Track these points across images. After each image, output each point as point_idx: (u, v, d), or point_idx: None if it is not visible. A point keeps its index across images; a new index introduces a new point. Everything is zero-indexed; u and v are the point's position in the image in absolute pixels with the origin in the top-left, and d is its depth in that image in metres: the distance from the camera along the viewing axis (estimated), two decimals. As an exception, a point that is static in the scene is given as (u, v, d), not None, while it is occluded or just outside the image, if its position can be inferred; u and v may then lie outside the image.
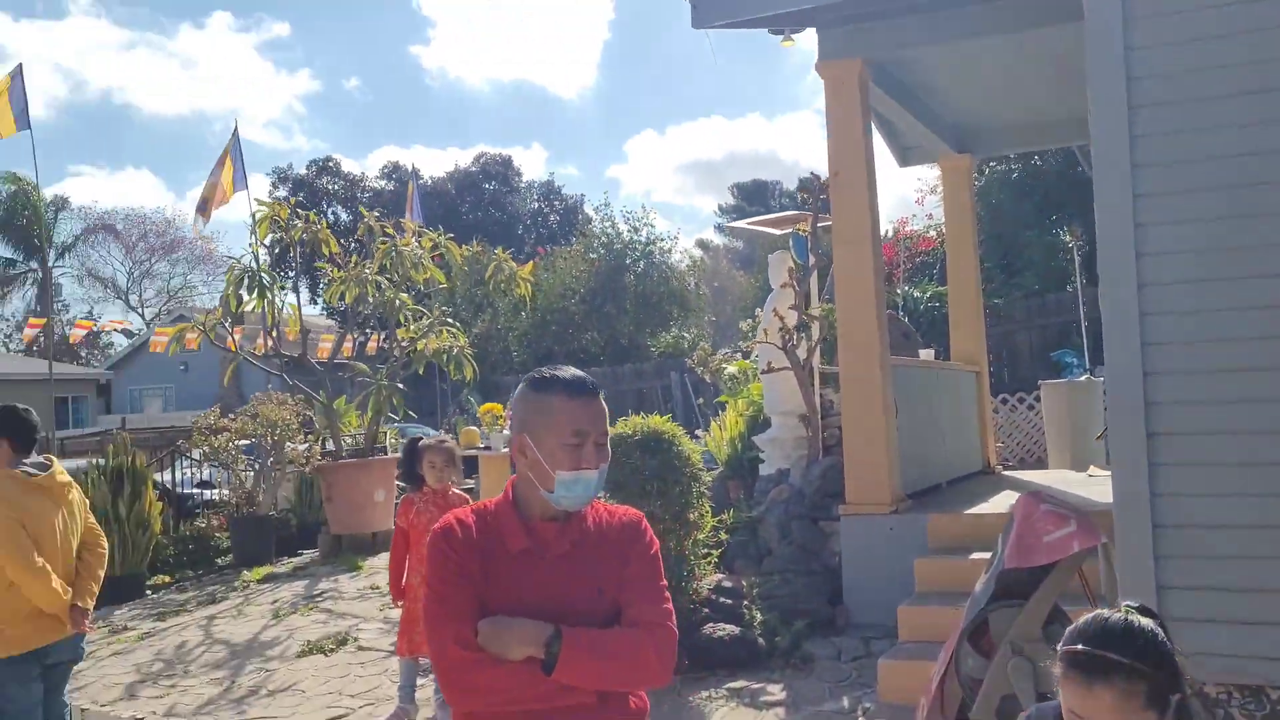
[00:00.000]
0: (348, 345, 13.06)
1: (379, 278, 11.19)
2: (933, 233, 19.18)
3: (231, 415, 11.85)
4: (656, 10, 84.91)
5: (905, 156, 10.09)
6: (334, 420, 11.68)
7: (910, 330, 10.14)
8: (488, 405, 8.80)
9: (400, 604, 5.77)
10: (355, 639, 7.45)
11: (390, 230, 11.57)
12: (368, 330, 12.99)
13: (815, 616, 6.49)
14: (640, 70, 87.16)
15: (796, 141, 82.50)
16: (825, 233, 7.91)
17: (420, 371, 11.76)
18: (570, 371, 2.27)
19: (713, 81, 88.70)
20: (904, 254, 18.82)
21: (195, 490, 13.52)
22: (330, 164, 45.20)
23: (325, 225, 11.43)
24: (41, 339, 43.19)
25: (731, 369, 8.95)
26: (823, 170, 7.22)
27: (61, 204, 46.12)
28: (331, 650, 7.25)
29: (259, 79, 76.62)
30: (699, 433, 12.04)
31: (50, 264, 43.80)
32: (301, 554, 11.97)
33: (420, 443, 5.86)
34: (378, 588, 9.17)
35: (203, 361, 33.90)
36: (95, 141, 78.76)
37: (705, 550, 6.64)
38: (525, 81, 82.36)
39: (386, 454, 12.15)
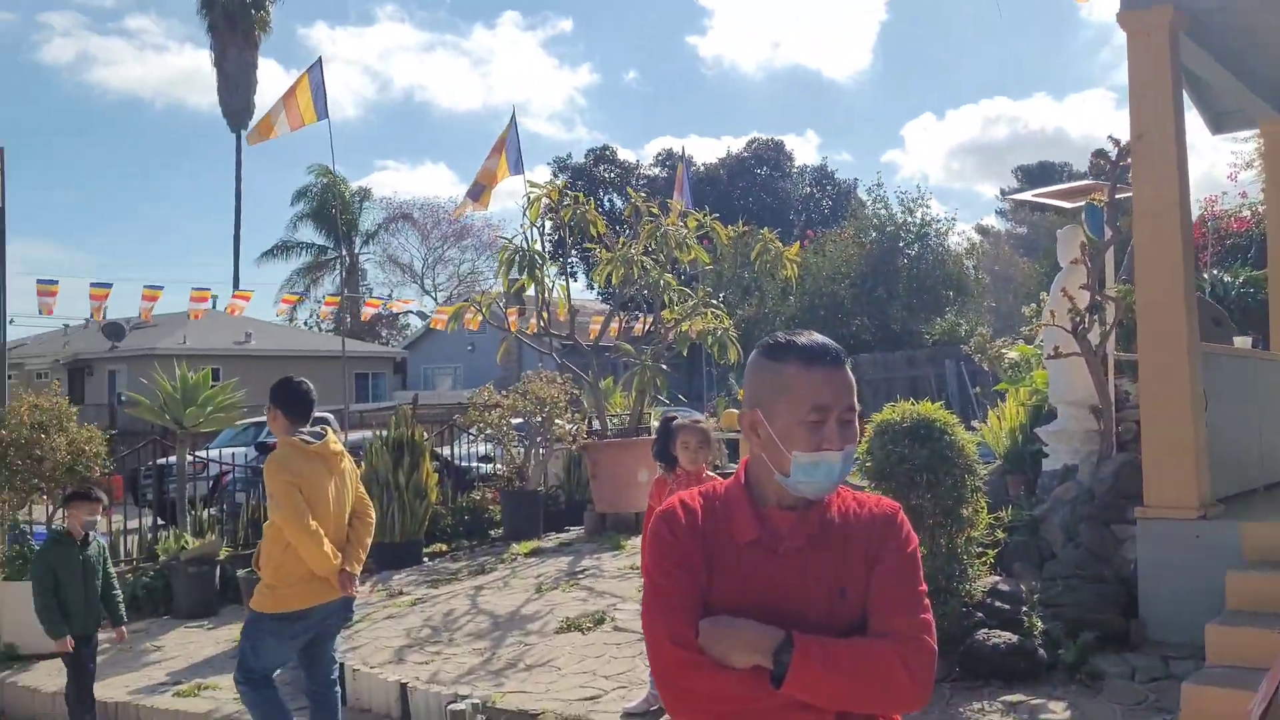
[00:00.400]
0: (614, 326, 13.17)
1: (644, 258, 11.19)
2: (1246, 212, 17.28)
3: (504, 392, 12.21)
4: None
5: (1218, 122, 9.03)
6: (600, 399, 11.81)
7: (1222, 316, 9.07)
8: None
9: (653, 587, 5.63)
10: (612, 619, 7.42)
11: (656, 210, 11.55)
12: (636, 312, 13.05)
13: (1105, 629, 5.83)
14: (919, 52, 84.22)
15: (1087, 121, 77.30)
16: (1122, 209, 7.15)
17: (685, 353, 11.70)
18: (810, 336, 1.95)
19: (996, 61, 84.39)
20: (1212, 235, 17.05)
21: (475, 464, 14.07)
22: (607, 153, 46.39)
23: (593, 206, 11.54)
24: (348, 317, 46.86)
25: (1012, 355, 8.26)
26: (1123, 136, 6.49)
27: (365, 195, 49.81)
28: (589, 629, 7.25)
29: (544, 74, 79.91)
30: (975, 423, 11.35)
31: (355, 250, 47.40)
32: (568, 530, 12.19)
33: (674, 422, 5.69)
34: (638, 568, 9.16)
35: (488, 342, 35.61)
36: (398, 137, 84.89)
37: (979, 549, 6.12)
38: (800, 67, 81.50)
39: (651, 434, 12.17)
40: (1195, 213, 18.50)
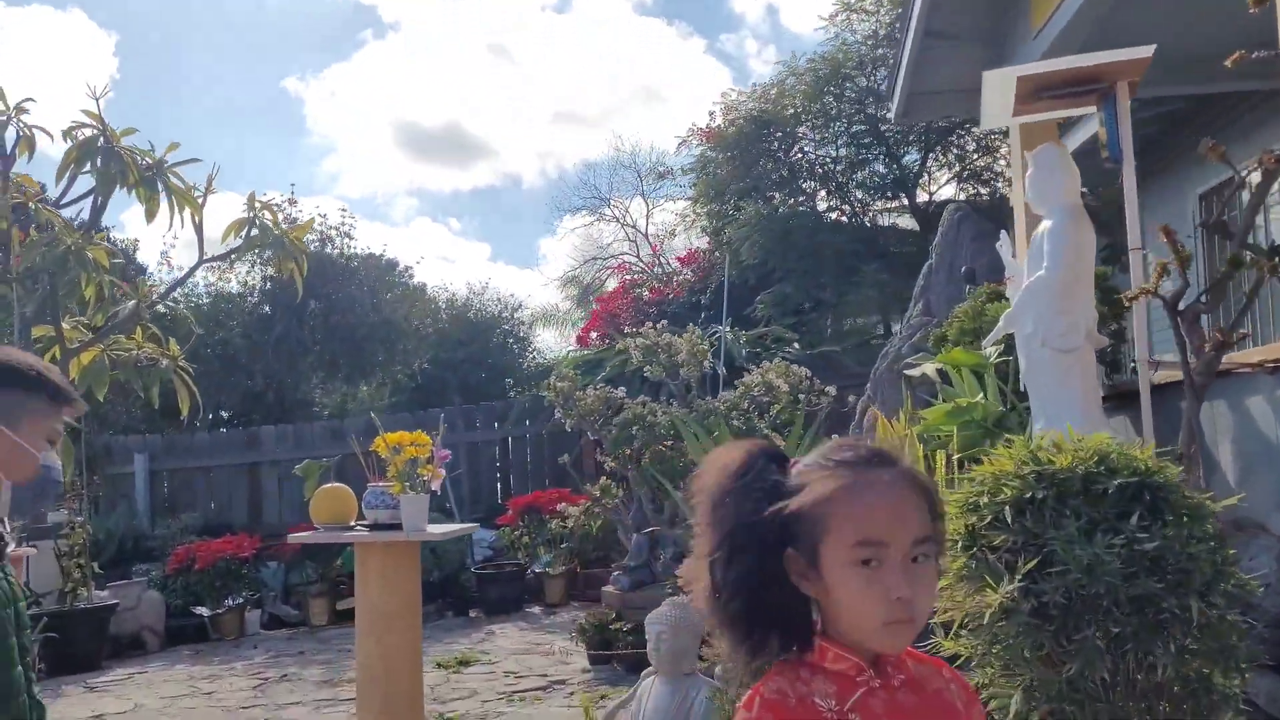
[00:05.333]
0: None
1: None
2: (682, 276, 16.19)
3: None
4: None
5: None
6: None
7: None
8: (395, 436, 4.04)
9: None
10: None
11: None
12: None
13: None
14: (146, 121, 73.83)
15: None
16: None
17: (101, 397, 6.36)
18: None
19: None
20: (636, 305, 15.53)
21: None
22: None
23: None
24: None
25: (927, 370, 4.73)
26: None
27: None
28: None
29: None
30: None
31: None
32: None
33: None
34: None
35: None
36: None
37: None
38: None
39: None
40: (612, 284, 17.20)
